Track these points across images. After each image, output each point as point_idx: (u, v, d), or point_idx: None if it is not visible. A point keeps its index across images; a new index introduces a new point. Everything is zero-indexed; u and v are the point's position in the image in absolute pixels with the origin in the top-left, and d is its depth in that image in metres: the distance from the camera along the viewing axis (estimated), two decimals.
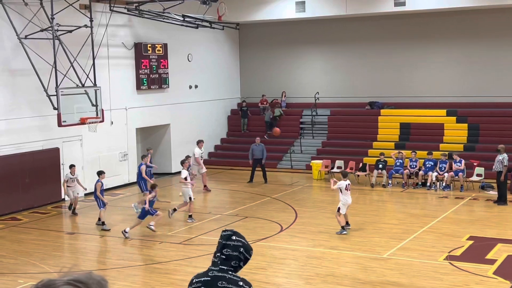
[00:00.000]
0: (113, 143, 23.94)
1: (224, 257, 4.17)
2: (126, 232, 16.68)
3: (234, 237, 4.20)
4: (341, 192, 16.57)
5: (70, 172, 19.77)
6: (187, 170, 19.03)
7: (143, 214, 17.00)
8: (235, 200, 21.71)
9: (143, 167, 20.74)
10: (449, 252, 14.79)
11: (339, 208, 16.67)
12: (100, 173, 18.56)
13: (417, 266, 13.90)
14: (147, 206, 16.81)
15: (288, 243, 16.05)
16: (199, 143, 23.57)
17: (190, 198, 18.51)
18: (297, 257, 14.97)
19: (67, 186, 19.78)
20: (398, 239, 16.18)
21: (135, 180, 25.01)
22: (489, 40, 26.46)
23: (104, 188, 18.86)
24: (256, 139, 25.14)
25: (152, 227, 16.92)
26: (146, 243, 16.54)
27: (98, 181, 18.28)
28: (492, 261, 14.10)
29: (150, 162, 21.66)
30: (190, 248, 15.87)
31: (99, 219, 18.19)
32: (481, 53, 26.67)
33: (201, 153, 23.37)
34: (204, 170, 23.13)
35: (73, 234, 17.86)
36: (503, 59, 26.27)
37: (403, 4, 25.33)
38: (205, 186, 23.22)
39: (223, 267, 4.16)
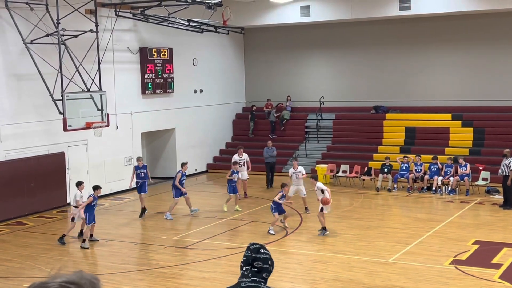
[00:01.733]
0: (118, 148, 23.98)
1: (256, 269, 4.27)
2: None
3: (262, 250, 4.35)
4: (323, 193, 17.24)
5: (79, 190, 17.23)
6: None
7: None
8: (240, 205, 21.68)
9: (179, 175, 19.84)
10: (454, 257, 14.75)
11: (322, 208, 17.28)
12: (96, 187, 16.98)
13: (422, 270, 13.86)
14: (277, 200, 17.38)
15: (293, 248, 16.04)
16: (239, 150, 23.23)
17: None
18: (302, 262, 14.95)
19: (74, 207, 17.39)
20: (403, 243, 16.14)
21: None
22: (495, 44, 26.42)
23: (97, 200, 17.03)
24: (268, 143, 24.99)
25: (271, 231, 17.45)
26: (151, 247, 16.55)
27: (91, 195, 16.80)
28: (498, 266, 14.05)
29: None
30: (195, 252, 15.87)
31: (81, 232, 16.98)
32: (486, 57, 26.63)
33: (239, 160, 22.68)
34: (246, 177, 22.89)
35: (78, 238, 17.85)
36: (509, 63, 26.22)
37: (408, 8, 25.31)
38: (244, 193, 22.94)
39: (255, 278, 4.24)
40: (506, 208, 19.96)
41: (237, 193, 20.90)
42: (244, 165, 22.77)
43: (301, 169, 20.58)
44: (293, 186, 20.16)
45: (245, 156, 22.99)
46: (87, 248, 16.43)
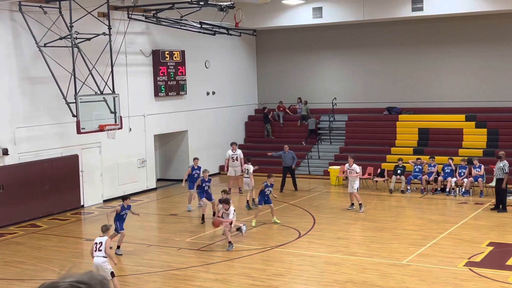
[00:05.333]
0: (131, 150, 24.06)
1: None
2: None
3: None
4: None
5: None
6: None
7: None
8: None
9: (189, 169, 21.39)
10: (468, 258, 14.66)
11: None
12: (125, 198, 16.86)
13: (436, 272, 13.79)
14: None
15: (306, 249, 16.01)
16: (232, 145, 23.84)
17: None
18: (315, 264, 14.92)
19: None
20: (417, 245, 16.07)
21: (153, 186, 25.23)
22: (508, 44, 26.26)
23: (126, 211, 16.48)
24: (284, 147, 24.73)
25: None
26: (165, 249, 16.59)
27: (120, 205, 16.40)
28: None
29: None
30: (208, 254, 15.89)
31: (118, 247, 16.20)
32: (500, 57, 26.47)
33: (232, 154, 23.38)
34: (239, 173, 23.42)
35: (92, 240, 17.91)
36: None
37: (421, 9, 25.22)
38: (239, 188, 23.59)
39: None
40: (500, 211, 19.71)
41: (271, 203, 19.36)
42: (237, 159, 23.32)
43: (239, 152, 23.18)
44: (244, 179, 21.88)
45: (238, 151, 23.61)
46: (121, 254, 15.91)
